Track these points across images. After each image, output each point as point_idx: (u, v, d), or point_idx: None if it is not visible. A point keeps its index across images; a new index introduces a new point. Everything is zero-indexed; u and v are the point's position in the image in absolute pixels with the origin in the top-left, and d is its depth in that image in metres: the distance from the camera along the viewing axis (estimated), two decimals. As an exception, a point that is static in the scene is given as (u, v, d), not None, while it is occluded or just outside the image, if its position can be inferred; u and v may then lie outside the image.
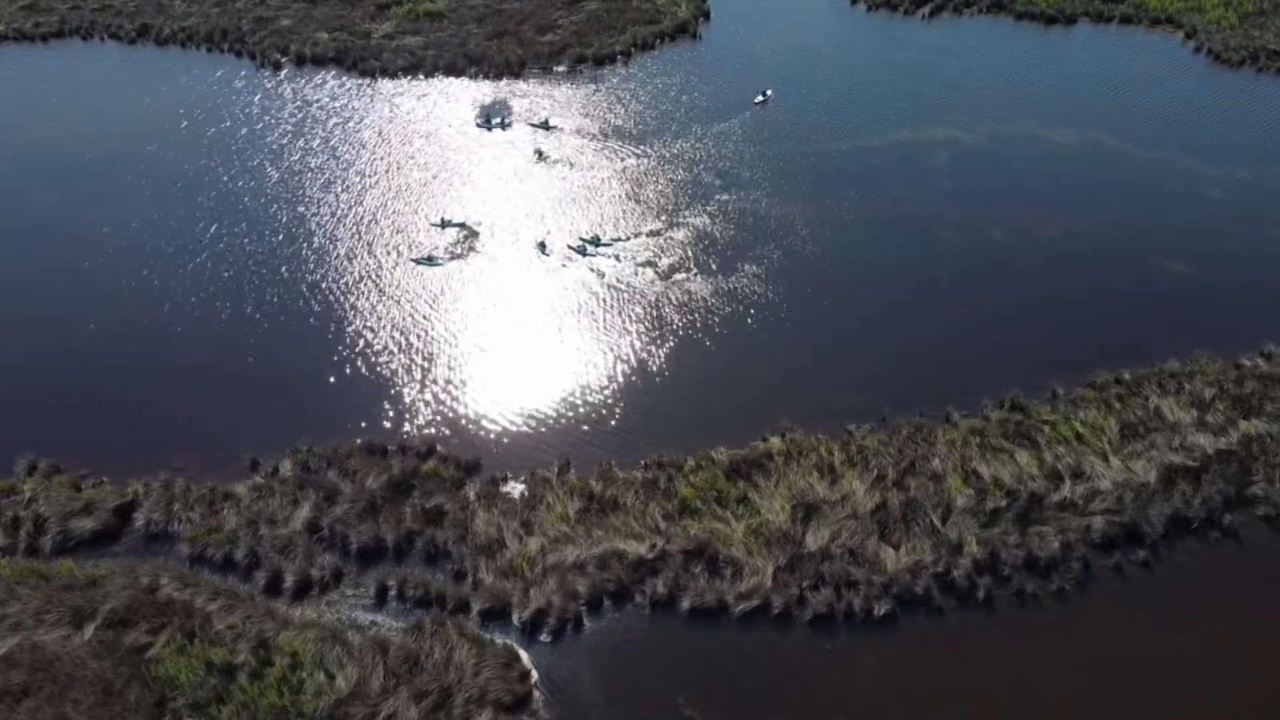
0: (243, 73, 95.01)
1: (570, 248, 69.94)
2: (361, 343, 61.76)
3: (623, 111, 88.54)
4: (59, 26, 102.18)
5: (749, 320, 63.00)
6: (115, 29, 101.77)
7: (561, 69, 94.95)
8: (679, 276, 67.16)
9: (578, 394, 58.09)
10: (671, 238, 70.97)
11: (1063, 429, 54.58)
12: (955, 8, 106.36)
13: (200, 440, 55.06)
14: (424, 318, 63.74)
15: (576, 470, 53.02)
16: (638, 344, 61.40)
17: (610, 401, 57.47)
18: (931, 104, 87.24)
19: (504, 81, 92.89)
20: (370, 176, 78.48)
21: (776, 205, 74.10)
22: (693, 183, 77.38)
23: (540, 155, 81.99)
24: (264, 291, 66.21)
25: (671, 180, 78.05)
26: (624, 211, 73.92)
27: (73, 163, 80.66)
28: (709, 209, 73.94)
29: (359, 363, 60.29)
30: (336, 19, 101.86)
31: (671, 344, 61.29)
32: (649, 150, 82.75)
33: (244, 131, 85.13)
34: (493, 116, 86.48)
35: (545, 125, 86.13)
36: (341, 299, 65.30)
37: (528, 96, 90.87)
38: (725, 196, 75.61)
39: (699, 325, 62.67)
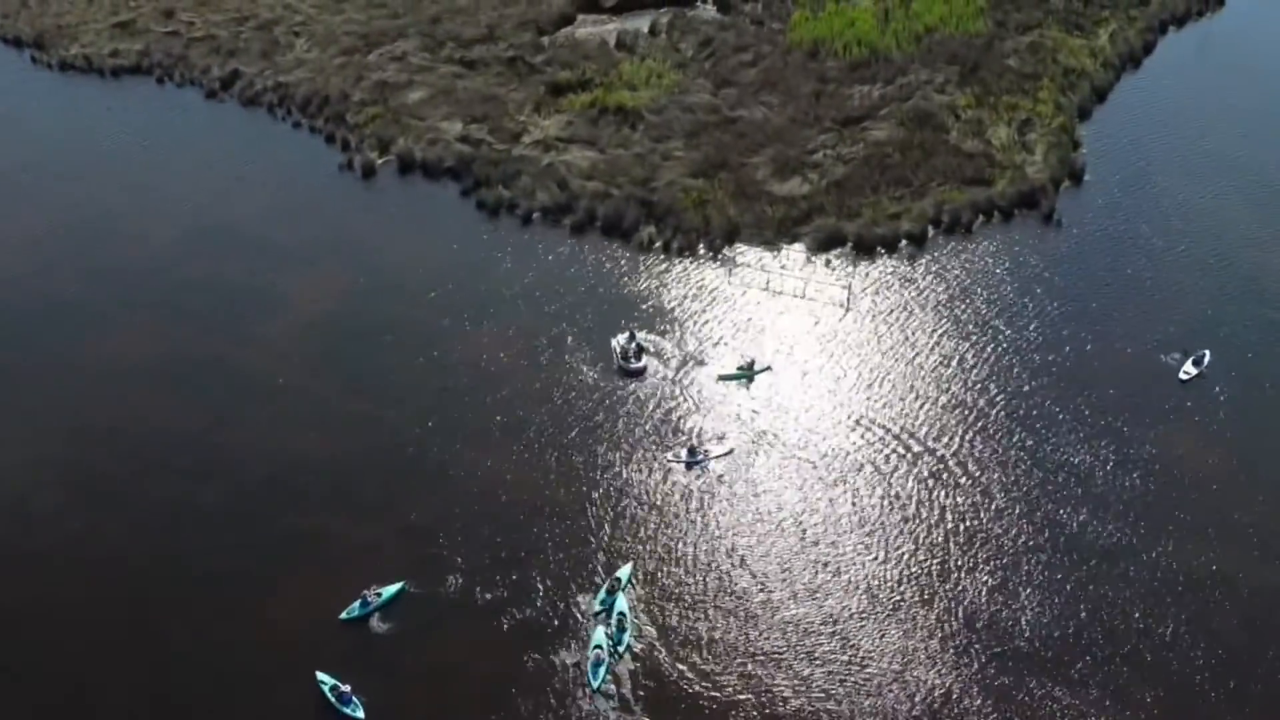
0: (314, 172, 62.16)
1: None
2: None
3: (890, 357, 48.08)
4: (137, 60, 74.23)
5: None
6: (200, 73, 72.69)
7: (798, 249, 55.36)
8: None
9: None
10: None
11: None
12: None
13: None
14: None
15: None
16: None
17: None
18: None
19: (695, 261, 54.69)
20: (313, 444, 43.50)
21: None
22: (987, 618, 36.59)
23: (692, 457, 43.18)
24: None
25: (950, 596, 37.36)
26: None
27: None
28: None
29: None
30: (484, 103, 67.02)
31: None
32: (922, 465, 42.02)
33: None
34: (638, 345, 48.89)
35: (748, 372, 47.40)
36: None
37: (723, 301, 52.17)
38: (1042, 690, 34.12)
39: None
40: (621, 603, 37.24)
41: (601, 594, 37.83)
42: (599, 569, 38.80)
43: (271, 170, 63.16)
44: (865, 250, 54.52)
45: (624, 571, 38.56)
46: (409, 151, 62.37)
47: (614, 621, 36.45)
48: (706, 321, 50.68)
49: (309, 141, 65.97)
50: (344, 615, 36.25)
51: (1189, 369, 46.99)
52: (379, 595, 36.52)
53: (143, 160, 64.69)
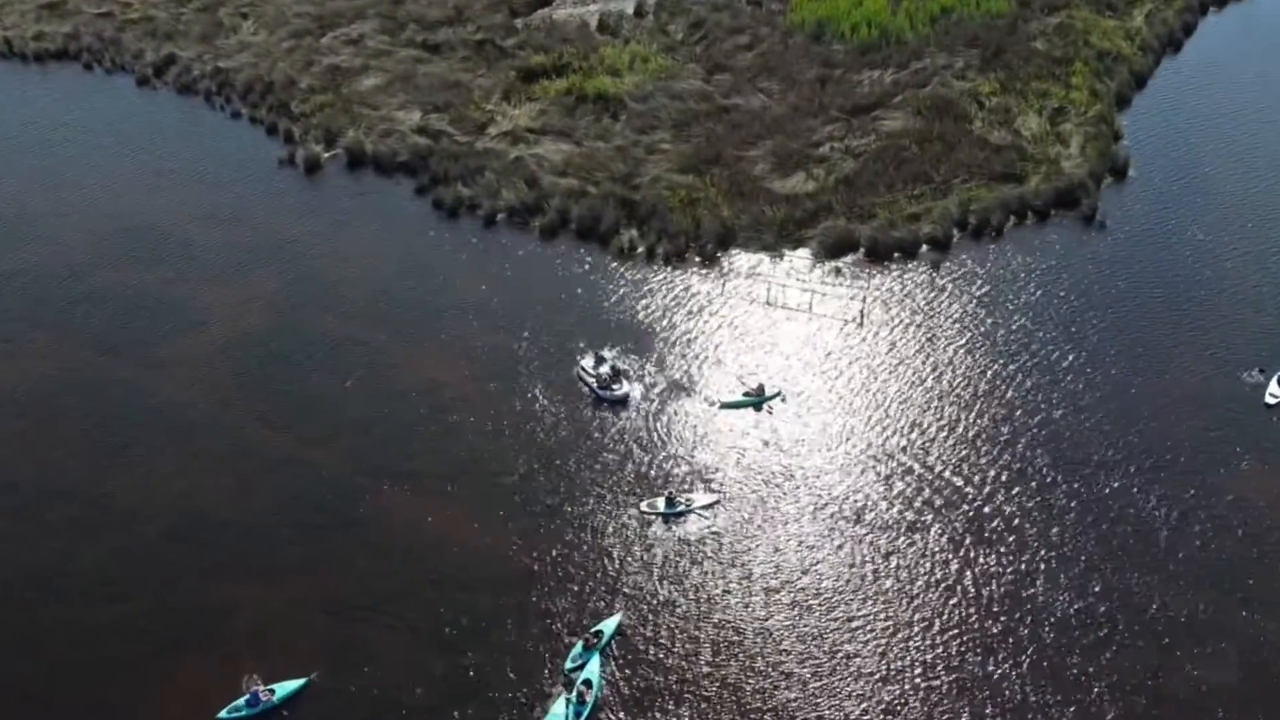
0: (251, 166, 54.66)
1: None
2: None
3: (910, 382, 40.59)
4: (64, 44, 66.91)
5: None
6: (133, 58, 65.15)
7: (802, 255, 48.12)
8: None
9: None
10: None
11: None
12: None
13: None
14: None
15: None
16: None
17: None
18: None
19: (684, 270, 47.27)
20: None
21: None
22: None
23: (671, 507, 35.71)
24: None
25: None
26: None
27: None
28: None
29: None
30: (447, 90, 59.66)
31: None
32: (950, 516, 34.54)
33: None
34: (614, 368, 41.46)
35: (757, 399, 40.23)
36: None
37: (716, 316, 44.79)
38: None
39: None
40: (594, 667, 30.00)
41: (577, 648, 30.75)
42: (561, 647, 31.51)
43: (204, 164, 55.60)
44: (880, 257, 47.10)
45: (608, 624, 31.52)
46: (359, 144, 54.87)
47: (576, 691, 29.21)
48: (696, 341, 43.16)
49: (249, 133, 58.48)
50: (224, 714, 28.91)
51: (1275, 390, 39.53)
52: (273, 692, 29.13)
53: (61, 153, 57.19)
